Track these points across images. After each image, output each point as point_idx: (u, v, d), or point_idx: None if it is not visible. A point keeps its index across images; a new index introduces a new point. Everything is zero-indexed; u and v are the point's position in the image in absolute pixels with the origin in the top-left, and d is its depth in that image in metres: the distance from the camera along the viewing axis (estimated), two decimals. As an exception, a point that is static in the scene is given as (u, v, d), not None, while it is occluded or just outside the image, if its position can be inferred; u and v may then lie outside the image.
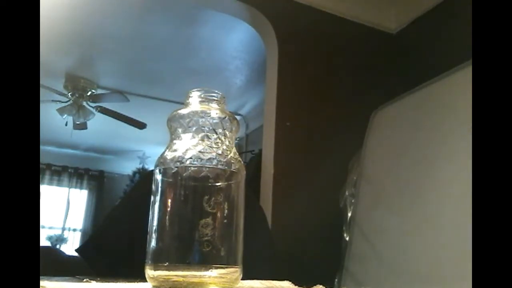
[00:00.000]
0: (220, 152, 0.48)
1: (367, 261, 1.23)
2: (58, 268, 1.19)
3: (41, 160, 2.81)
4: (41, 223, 4.13)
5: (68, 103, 3.26)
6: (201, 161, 0.46)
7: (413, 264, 1.06)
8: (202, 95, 0.51)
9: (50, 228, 4.86)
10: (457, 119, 1.08)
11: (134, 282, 0.49)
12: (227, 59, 2.76)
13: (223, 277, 0.44)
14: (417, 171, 1.17)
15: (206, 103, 0.50)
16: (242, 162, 0.50)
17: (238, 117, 3.27)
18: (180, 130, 0.49)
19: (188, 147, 0.47)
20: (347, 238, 1.35)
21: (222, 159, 0.47)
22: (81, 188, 5.19)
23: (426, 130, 1.20)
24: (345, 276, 1.28)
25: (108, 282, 0.49)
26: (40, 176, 4.62)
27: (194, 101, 0.50)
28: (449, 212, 1.02)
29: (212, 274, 0.44)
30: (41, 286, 0.39)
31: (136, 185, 1.89)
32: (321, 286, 0.51)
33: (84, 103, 3.29)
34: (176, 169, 0.46)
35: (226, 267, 0.45)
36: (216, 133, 0.48)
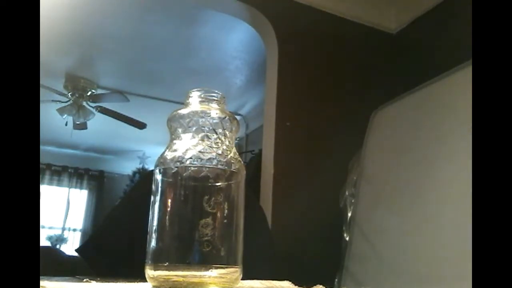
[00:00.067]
0: (220, 152, 0.48)
1: (367, 261, 1.23)
2: (58, 268, 1.19)
3: (41, 160, 2.81)
4: (41, 223, 4.13)
5: (68, 103, 3.26)
6: (201, 161, 0.46)
7: (413, 264, 1.06)
8: (202, 95, 0.51)
9: (50, 228, 4.86)
10: (457, 119, 1.08)
11: (134, 282, 0.49)
12: (227, 59, 2.76)
13: (223, 277, 0.44)
14: (417, 171, 1.17)
15: (206, 103, 0.50)
16: (242, 162, 0.50)
17: (238, 117, 3.27)
18: (180, 130, 0.49)
19: (188, 147, 0.47)
20: (347, 238, 1.35)
21: (222, 159, 0.47)
22: (81, 188, 5.19)
23: (426, 130, 1.20)
24: (345, 276, 1.28)
25: (108, 282, 0.49)
26: (40, 176, 4.63)
27: (194, 101, 0.50)
28: (449, 212, 1.02)
29: (212, 274, 0.44)
30: (41, 286, 0.39)
31: (136, 185, 1.89)
32: (321, 286, 0.51)
33: (84, 103, 3.29)
34: (176, 169, 0.46)
35: (226, 267, 0.45)
36: (216, 133, 0.48)
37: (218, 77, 3.02)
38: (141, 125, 3.43)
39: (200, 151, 0.47)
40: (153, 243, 0.45)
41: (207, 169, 0.46)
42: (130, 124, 3.42)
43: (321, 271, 1.34)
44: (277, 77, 1.64)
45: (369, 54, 1.86)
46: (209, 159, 0.47)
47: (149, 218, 0.47)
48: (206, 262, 0.44)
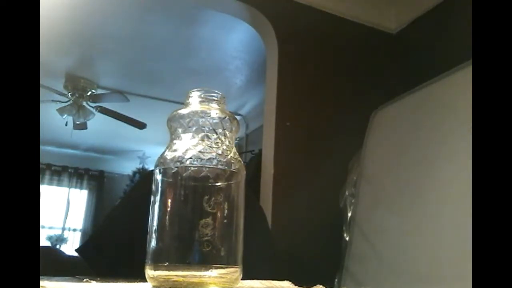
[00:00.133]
0: (220, 152, 0.48)
1: (367, 261, 1.23)
2: (58, 268, 1.19)
3: (41, 160, 2.81)
4: (41, 223, 4.13)
5: (68, 103, 3.26)
6: (201, 161, 0.46)
7: (413, 264, 1.06)
8: (202, 95, 0.51)
9: (50, 228, 4.85)
10: (457, 119, 1.08)
11: (134, 282, 0.49)
12: (227, 59, 2.76)
13: (223, 277, 0.44)
14: (417, 171, 1.17)
15: (206, 103, 0.50)
16: (242, 162, 0.50)
17: (238, 117, 3.27)
18: (180, 130, 0.49)
19: (188, 147, 0.47)
20: (347, 238, 1.35)
21: (222, 159, 0.47)
22: (81, 188, 5.19)
23: (426, 130, 1.20)
24: (345, 276, 1.28)
25: (108, 282, 0.49)
26: (40, 176, 4.63)
27: (194, 101, 0.50)
28: (449, 212, 1.02)
29: (212, 274, 0.44)
30: (41, 286, 0.39)
31: (136, 185, 1.89)
32: (321, 286, 0.51)
33: (84, 103, 3.29)
34: (176, 169, 0.46)
35: (226, 267, 0.45)
36: (216, 133, 0.48)
37: (218, 77, 3.02)
38: (141, 125, 3.43)
39: (200, 151, 0.47)
40: (153, 243, 0.45)
41: (207, 169, 0.46)
42: (130, 124, 3.42)
43: (321, 271, 1.34)
44: (277, 77, 1.64)
45: (369, 54, 1.86)
46: (209, 159, 0.47)
47: (149, 218, 0.47)
48: (206, 262, 0.44)
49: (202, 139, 0.48)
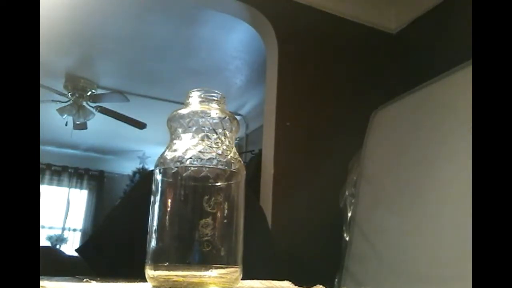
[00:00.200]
0: (220, 152, 0.48)
1: (367, 261, 1.23)
2: (58, 268, 1.19)
3: (41, 160, 2.81)
4: (41, 223, 4.13)
5: (68, 103, 3.26)
6: (201, 161, 0.46)
7: (413, 264, 1.06)
8: (202, 95, 0.50)
9: (50, 228, 4.85)
10: (457, 119, 1.08)
11: (134, 282, 0.49)
12: (227, 59, 2.76)
13: (223, 277, 0.44)
14: (417, 171, 1.17)
15: (206, 103, 0.50)
16: (242, 162, 0.50)
17: (238, 117, 3.27)
18: (180, 130, 0.49)
19: (188, 147, 0.47)
20: (347, 238, 1.35)
21: (222, 159, 0.47)
22: (81, 188, 5.19)
23: (426, 130, 1.20)
24: (345, 276, 1.28)
25: (108, 282, 0.49)
26: (40, 176, 4.62)
27: (194, 101, 0.50)
28: (449, 212, 1.02)
29: (212, 274, 0.44)
30: (41, 286, 0.39)
31: (136, 185, 1.89)
32: (321, 286, 0.51)
33: (84, 103, 3.29)
34: (176, 169, 0.46)
35: (226, 267, 0.45)
36: (216, 133, 0.48)
37: (218, 77, 3.02)
38: (141, 125, 3.43)
39: (200, 151, 0.47)
40: (153, 243, 0.45)
41: (207, 169, 0.46)
42: (130, 124, 3.42)
43: (321, 271, 1.34)
44: (277, 77, 1.64)
45: (369, 54, 1.86)
46: (209, 159, 0.47)
47: (149, 218, 0.47)
48: (206, 262, 0.44)
49: (202, 139, 0.48)
